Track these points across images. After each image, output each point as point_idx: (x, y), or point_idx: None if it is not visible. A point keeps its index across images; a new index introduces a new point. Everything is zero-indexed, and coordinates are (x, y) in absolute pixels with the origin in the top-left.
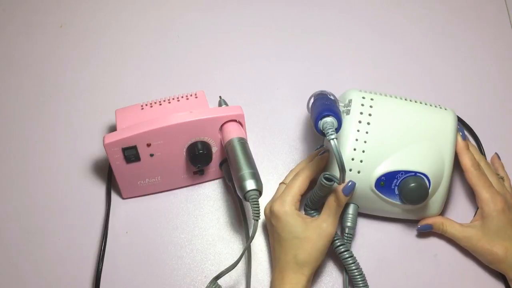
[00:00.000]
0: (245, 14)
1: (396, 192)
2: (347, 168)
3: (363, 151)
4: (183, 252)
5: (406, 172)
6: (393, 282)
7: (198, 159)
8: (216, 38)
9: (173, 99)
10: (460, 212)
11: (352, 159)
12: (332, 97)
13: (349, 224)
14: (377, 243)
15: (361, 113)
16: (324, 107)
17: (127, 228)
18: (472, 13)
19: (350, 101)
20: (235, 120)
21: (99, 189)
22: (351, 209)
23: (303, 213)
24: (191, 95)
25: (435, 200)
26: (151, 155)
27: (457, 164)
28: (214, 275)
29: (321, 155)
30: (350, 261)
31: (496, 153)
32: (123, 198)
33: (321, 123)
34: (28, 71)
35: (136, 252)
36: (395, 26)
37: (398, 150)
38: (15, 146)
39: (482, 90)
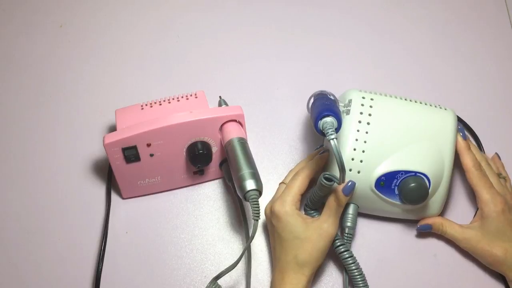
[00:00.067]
0: (245, 14)
1: (396, 192)
2: (347, 168)
3: (363, 151)
4: (183, 252)
5: (406, 172)
6: (393, 282)
7: (198, 159)
8: (216, 38)
9: (173, 99)
10: (460, 212)
11: (352, 159)
12: (332, 97)
13: (349, 224)
14: (377, 243)
15: (361, 113)
16: (324, 107)
17: (127, 228)
18: (472, 13)
19: (350, 101)
20: (235, 120)
21: (99, 189)
22: (351, 209)
23: (303, 213)
24: (191, 95)
25: (435, 200)
26: (151, 155)
27: (457, 164)
28: (214, 275)
29: (321, 155)
30: (350, 261)
31: (496, 153)
32: (123, 198)
33: (321, 123)
34: (28, 71)
35: (136, 252)
36: (395, 26)
37: (398, 150)
38: (15, 146)
39: (482, 90)
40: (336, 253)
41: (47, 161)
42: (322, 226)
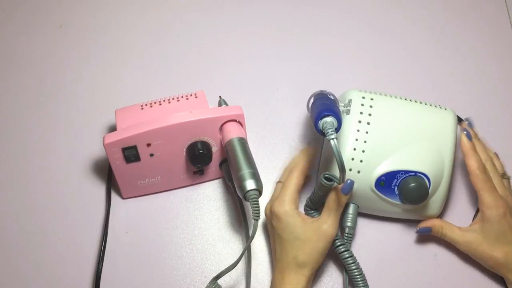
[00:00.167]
0: (245, 14)
1: (396, 192)
2: (347, 168)
3: (363, 151)
4: (183, 252)
5: (406, 172)
6: (393, 282)
7: (198, 159)
8: (216, 38)
9: (173, 99)
10: (460, 211)
11: (352, 159)
12: (332, 97)
13: (349, 224)
14: (377, 243)
15: (361, 113)
16: (324, 107)
17: (127, 228)
18: (472, 13)
19: (350, 101)
20: (235, 120)
21: (99, 189)
22: (351, 209)
23: (304, 213)
24: (191, 95)
25: (435, 200)
26: (151, 155)
27: (456, 164)
28: (214, 275)
29: (309, 146)
30: (350, 261)
31: (495, 153)
32: (123, 198)
33: (321, 123)
34: (28, 71)
35: (136, 252)
36: (395, 26)
37: (398, 150)
38: (15, 146)
39: (482, 90)
40: (336, 253)
41: (47, 161)
42: (322, 227)
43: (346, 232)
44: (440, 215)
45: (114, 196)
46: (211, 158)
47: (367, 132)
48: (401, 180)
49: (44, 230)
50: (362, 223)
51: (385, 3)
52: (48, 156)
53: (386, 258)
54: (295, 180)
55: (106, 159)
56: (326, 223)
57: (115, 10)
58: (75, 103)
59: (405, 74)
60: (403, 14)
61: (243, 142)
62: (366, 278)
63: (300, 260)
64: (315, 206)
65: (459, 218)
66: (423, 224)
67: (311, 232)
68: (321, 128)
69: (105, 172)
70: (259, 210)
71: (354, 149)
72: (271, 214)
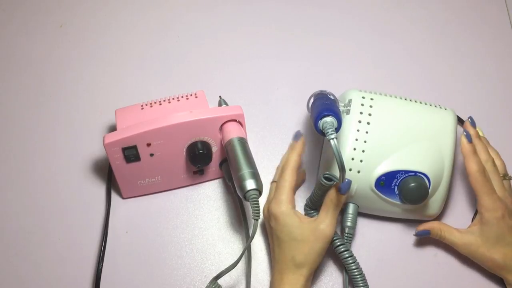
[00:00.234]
0: (245, 14)
1: (396, 191)
2: (347, 168)
3: (363, 151)
4: (183, 252)
5: (406, 171)
6: (393, 282)
7: (198, 159)
8: (216, 38)
9: (173, 99)
10: (460, 212)
11: (352, 159)
12: (332, 97)
13: (349, 224)
14: (377, 243)
15: (361, 113)
16: (324, 107)
17: (127, 228)
18: (472, 13)
19: (350, 101)
20: (235, 120)
21: (99, 189)
22: (351, 209)
23: (303, 213)
24: (191, 95)
25: (435, 200)
26: (151, 155)
27: (456, 164)
28: (214, 274)
29: (296, 140)
30: (350, 261)
31: (497, 153)
32: (123, 198)
33: (321, 122)
34: (28, 71)
35: (136, 252)
36: (395, 26)
37: (398, 150)
38: (15, 146)
39: (482, 90)
40: (336, 253)
41: (47, 161)
42: (319, 227)
43: (346, 232)
44: (440, 216)
45: (114, 196)
46: (211, 158)
47: (367, 132)
48: (401, 180)
49: (44, 230)
50: (362, 223)
51: (385, 3)
52: (48, 156)
53: (386, 258)
54: (288, 178)
55: (106, 159)
56: (323, 223)
57: (115, 10)
58: (75, 103)
59: (405, 74)
60: (403, 14)
61: (243, 142)
62: (366, 278)
63: (298, 261)
64: (315, 206)
65: (458, 219)
66: (422, 227)
67: (309, 232)
68: (321, 128)
69: (105, 172)
70: (259, 210)
71: (354, 149)
72: (269, 215)
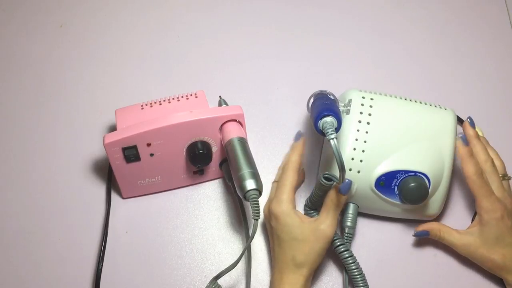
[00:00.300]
0: (245, 14)
1: (396, 191)
2: (347, 168)
3: (363, 151)
4: (183, 251)
5: (406, 171)
6: (393, 282)
7: (198, 159)
8: (216, 38)
9: (173, 99)
10: (460, 212)
11: (352, 159)
12: (332, 97)
13: (349, 224)
14: (377, 243)
15: (361, 113)
16: (324, 107)
17: (127, 228)
18: (472, 13)
19: (350, 101)
20: (235, 120)
21: (99, 189)
22: (351, 209)
23: (303, 213)
24: (191, 95)
25: (435, 200)
26: (151, 154)
27: (456, 165)
28: (214, 274)
29: (297, 141)
30: (350, 261)
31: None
32: (123, 198)
33: (321, 122)
34: (28, 71)
35: (136, 252)
36: (395, 26)
37: (398, 150)
38: (15, 146)
39: (482, 90)
40: (336, 253)
41: (47, 161)
42: (320, 227)
43: (346, 232)
44: (440, 216)
45: (114, 196)
46: (211, 158)
47: (367, 132)
48: (401, 180)
49: (44, 230)
50: (362, 223)
51: (385, 3)
52: (48, 156)
53: (386, 258)
54: (289, 178)
55: (106, 159)
56: (324, 223)
57: (115, 10)
58: (75, 103)
59: (405, 74)
60: (403, 14)
61: (243, 142)
62: (366, 278)
63: (298, 260)
64: (314, 206)
65: (458, 219)
66: (421, 228)
67: (309, 232)
68: (321, 128)
69: (105, 172)
70: (259, 210)
71: (354, 149)
72: (269, 214)
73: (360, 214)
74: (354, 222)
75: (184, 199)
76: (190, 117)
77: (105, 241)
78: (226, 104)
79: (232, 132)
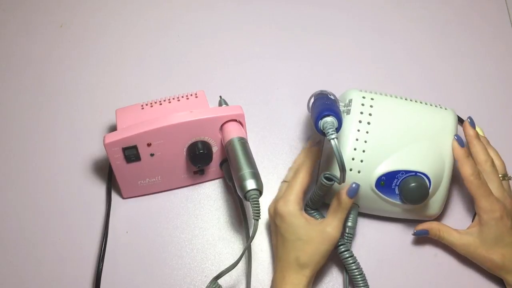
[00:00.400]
0: (245, 14)
1: (397, 191)
2: (347, 168)
3: (364, 151)
4: (183, 251)
5: (407, 171)
6: (393, 282)
7: (199, 159)
8: (216, 38)
9: (173, 98)
10: (460, 212)
11: (353, 159)
12: (332, 97)
13: (349, 224)
14: (377, 243)
15: (362, 112)
16: (325, 107)
17: (128, 228)
18: (472, 13)
19: (350, 101)
20: (235, 120)
21: (99, 188)
22: (351, 209)
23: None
24: (191, 95)
25: (436, 200)
26: (152, 154)
27: (456, 165)
28: (215, 274)
29: (315, 147)
30: (350, 261)
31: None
32: (124, 198)
33: (321, 122)
34: (28, 71)
35: (136, 252)
36: (395, 26)
37: (398, 150)
38: (15, 146)
39: (482, 90)
40: (337, 253)
41: (47, 161)
42: (326, 230)
43: (346, 232)
44: (440, 216)
45: (115, 196)
46: (212, 158)
47: (367, 132)
48: (402, 180)
49: (44, 230)
50: (362, 223)
51: (385, 3)
52: (48, 156)
53: (386, 258)
54: (301, 180)
55: (106, 159)
56: (330, 226)
57: (115, 10)
58: (75, 103)
59: (405, 74)
60: (403, 14)
61: (243, 142)
62: (366, 278)
63: (302, 261)
64: (315, 206)
65: (458, 219)
66: (420, 227)
67: (315, 234)
68: (321, 128)
69: (105, 172)
70: (259, 210)
71: (355, 149)
72: (274, 213)
73: (360, 214)
74: (355, 222)
75: (184, 199)
76: (191, 117)
77: (105, 241)
78: (226, 104)
79: (233, 132)
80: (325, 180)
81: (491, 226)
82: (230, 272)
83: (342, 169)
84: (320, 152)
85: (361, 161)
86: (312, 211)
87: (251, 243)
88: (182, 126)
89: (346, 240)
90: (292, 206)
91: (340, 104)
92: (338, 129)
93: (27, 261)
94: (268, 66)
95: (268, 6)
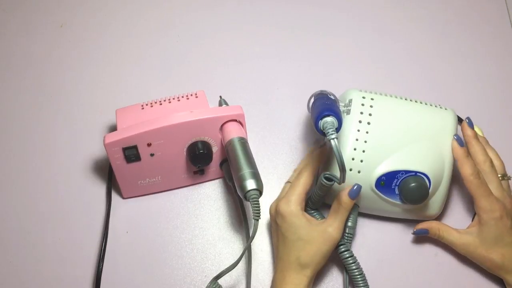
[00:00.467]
0: (245, 14)
1: (397, 192)
2: (347, 168)
3: (364, 151)
4: (183, 251)
5: (407, 172)
6: (393, 282)
7: (199, 159)
8: (216, 38)
9: (174, 98)
10: (460, 212)
11: (353, 159)
12: (332, 97)
13: (349, 224)
14: (377, 243)
15: (362, 113)
16: (325, 107)
17: (128, 228)
18: (472, 13)
19: (350, 101)
20: (235, 120)
21: (99, 189)
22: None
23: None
24: (191, 95)
25: (435, 200)
26: (152, 154)
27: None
28: (215, 274)
29: (320, 149)
30: (351, 261)
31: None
32: (124, 198)
33: (321, 122)
34: (28, 71)
35: (136, 252)
36: (395, 26)
37: (398, 150)
38: (15, 146)
39: (482, 90)
40: (337, 253)
41: (47, 161)
42: (327, 230)
43: (346, 232)
44: (440, 216)
45: (115, 196)
46: (212, 158)
47: (367, 132)
48: (402, 180)
49: (44, 230)
50: (362, 223)
51: (386, 2)
52: (48, 156)
53: (386, 258)
54: (303, 181)
55: (106, 159)
56: (331, 227)
57: (115, 10)
58: (75, 103)
59: (405, 74)
60: (403, 14)
61: (243, 142)
62: (367, 278)
63: (303, 261)
64: (315, 206)
65: (458, 219)
66: (420, 226)
67: (316, 234)
68: (321, 128)
69: (105, 172)
70: (259, 210)
71: (355, 149)
72: (276, 212)
73: (360, 214)
74: (355, 222)
75: (184, 199)
76: (191, 117)
77: (106, 241)
78: (226, 104)
79: (233, 132)
80: (325, 180)
81: (491, 226)
82: (230, 272)
83: (342, 169)
84: (325, 154)
85: (361, 161)
86: (312, 211)
87: (251, 243)
88: (182, 126)
89: (346, 240)
90: (293, 206)
91: (340, 104)
92: (338, 129)
93: (27, 261)
94: (268, 66)
95: (268, 6)
